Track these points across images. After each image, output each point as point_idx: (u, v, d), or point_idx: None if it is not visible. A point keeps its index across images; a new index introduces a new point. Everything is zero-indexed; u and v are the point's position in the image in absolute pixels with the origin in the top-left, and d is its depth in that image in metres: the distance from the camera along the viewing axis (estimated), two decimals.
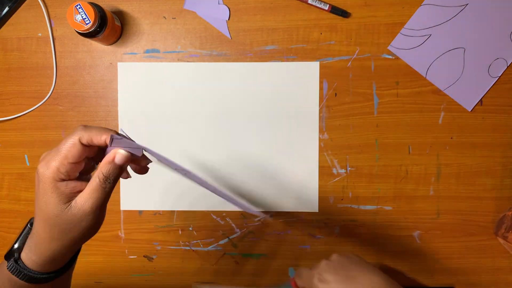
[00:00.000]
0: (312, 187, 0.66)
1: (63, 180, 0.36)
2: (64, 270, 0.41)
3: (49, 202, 0.36)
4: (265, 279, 0.68)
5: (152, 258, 0.68)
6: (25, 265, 0.39)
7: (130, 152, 0.38)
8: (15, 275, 0.39)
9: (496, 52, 0.64)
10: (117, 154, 0.37)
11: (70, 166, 0.36)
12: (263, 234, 0.67)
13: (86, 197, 0.36)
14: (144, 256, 0.68)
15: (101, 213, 0.38)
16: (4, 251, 0.69)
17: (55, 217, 0.36)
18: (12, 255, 0.39)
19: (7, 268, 0.39)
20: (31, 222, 0.43)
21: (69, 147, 0.36)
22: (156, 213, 0.67)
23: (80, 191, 0.37)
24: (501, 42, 0.64)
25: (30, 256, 0.39)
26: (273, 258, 0.68)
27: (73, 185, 0.37)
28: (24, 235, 0.42)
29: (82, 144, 0.36)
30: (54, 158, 0.36)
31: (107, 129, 0.38)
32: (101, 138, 0.37)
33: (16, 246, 0.41)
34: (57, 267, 0.40)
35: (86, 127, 0.37)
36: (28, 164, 0.67)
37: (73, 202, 0.36)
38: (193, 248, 0.68)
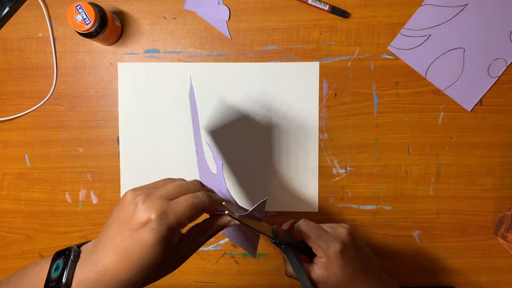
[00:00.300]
0: (312, 187, 0.66)
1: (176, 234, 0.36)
2: None
3: (152, 252, 0.34)
4: (265, 279, 0.68)
5: None
6: None
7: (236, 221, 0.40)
8: None
9: (495, 52, 0.64)
10: (232, 221, 0.39)
11: (191, 219, 0.37)
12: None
13: (191, 245, 0.38)
14: None
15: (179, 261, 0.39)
16: (4, 251, 0.69)
17: (151, 265, 0.34)
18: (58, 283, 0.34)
19: None
20: (74, 253, 0.36)
21: (196, 206, 0.37)
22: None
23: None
24: (501, 42, 0.64)
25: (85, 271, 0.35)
26: (273, 258, 0.68)
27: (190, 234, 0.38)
28: (69, 268, 0.35)
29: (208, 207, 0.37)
30: (172, 207, 0.35)
31: (223, 202, 0.39)
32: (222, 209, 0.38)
33: (64, 280, 0.34)
34: None
35: (209, 196, 0.38)
36: (28, 164, 0.67)
37: (180, 248, 0.37)
38: None
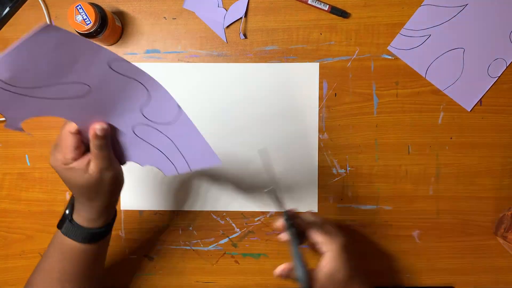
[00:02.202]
0: (311, 187, 0.66)
1: (75, 160, 0.44)
2: (111, 226, 0.51)
3: (73, 178, 0.44)
4: (265, 279, 0.68)
5: (153, 258, 0.68)
6: (79, 225, 0.47)
7: (105, 125, 0.43)
8: (71, 237, 0.47)
9: (495, 52, 0.64)
10: (96, 129, 0.43)
11: (73, 152, 0.43)
12: (263, 234, 0.67)
13: (95, 164, 0.44)
14: (144, 255, 0.68)
15: (112, 167, 0.45)
16: (5, 251, 0.69)
17: (83, 186, 0.44)
18: (65, 221, 0.48)
19: (63, 232, 0.47)
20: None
21: (64, 140, 0.43)
22: (156, 213, 0.67)
23: (88, 159, 0.44)
24: (501, 42, 0.64)
25: (82, 216, 0.47)
26: (273, 258, 0.68)
27: (85, 159, 0.44)
28: (70, 204, 0.49)
29: (73, 133, 0.43)
30: (58, 151, 0.44)
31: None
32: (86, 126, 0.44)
33: (67, 212, 0.48)
34: (106, 220, 0.49)
35: None
36: (28, 164, 0.67)
37: (90, 171, 0.44)
38: (193, 248, 0.68)
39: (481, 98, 0.65)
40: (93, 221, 0.48)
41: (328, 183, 0.66)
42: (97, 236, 0.49)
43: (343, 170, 0.66)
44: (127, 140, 0.47)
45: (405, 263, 0.67)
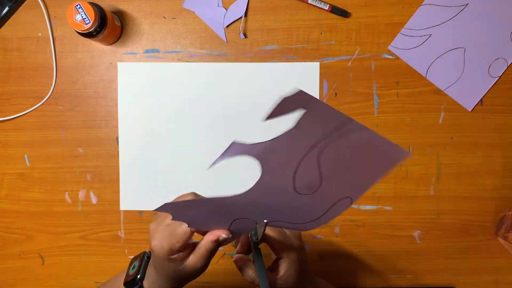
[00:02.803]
0: None
1: (180, 252, 0.43)
2: None
3: (166, 267, 0.44)
4: None
5: None
6: None
7: (230, 234, 0.44)
8: None
9: (496, 52, 0.64)
10: (220, 237, 0.44)
11: (183, 244, 0.43)
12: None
13: (196, 260, 0.44)
14: None
15: (207, 264, 0.46)
16: (4, 251, 0.69)
17: (174, 273, 0.44)
18: (134, 284, 0.47)
19: None
20: (147, 255, 0.50)
21: (181, 235, 0.42)
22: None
23: (188, 253, 0.44)
24: (501, 42, 0.64)
25: (153, 287, 0.47)
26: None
27: (187, 251, 0.44)
28: (143, 268, 0.48)
29: (193, 232, 0.43)
30: (166, 240, 0.43)
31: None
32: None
33: (138, 276, 0.48)
34: None
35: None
36: (28, 164, 0.67)
37: (187, 265, 0.44)
38: None
39: (482, 98, 0.65)
40: None
41: None
42: None
43: None
44: None
45: (405, 263, 0.67)
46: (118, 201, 0.67)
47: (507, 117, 0.65)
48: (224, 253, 0.67)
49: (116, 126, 0.66)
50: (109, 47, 0.65)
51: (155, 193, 0.67)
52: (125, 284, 0.48)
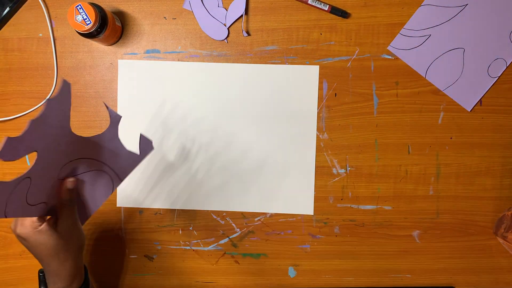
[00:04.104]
0: (309, 187, 0.66)
1: (42, 223, 0.46)
2: (86, 284, 0.52)
3: (43, 242, 0.46)
4: (265, 279, 0.68)
5: (153, 258, 0.68)
6: None
7: (74, 178, 0.48)
8: None
9: (495, 52, 0.64)
10: (67, 182, 0.47)
11: (39, 217, 0.46)
12: (263, 234, 0.67)
13: (63, 221, 0.47)
14: (144, 255, 0.68)
15: (78, 222, 0.49)
16: (4, 251, 0.69)
17: (54, 247, 0.46)
18: None
19: None
20: (40, 271, 0.56)
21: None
22: (156, 212, 0.67)
23: (48, 221, 0.47)
24: (501, 42, 0.64)
25: (57, 286, 0.48)
26: (273, 258, 0.68)
27: (52, 219, 0.47)
28: (43, 283, 0.53)
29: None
30: (23, 219, 0.46)
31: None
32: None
33: None
34: (80, 282, 0.51)
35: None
36: (28, 164, 0.67)
37: (58, 229, 0.46)
38: (193, 248, 0.68)
39: (481, 98, 0.65)
40: (72, 285, 0.49)
41: (328, 183, 0.66)
42: None
43: (343, 170, 0.66)
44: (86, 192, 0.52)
45: (405, 263, 0.67)
46: (117, 200, 0.67)
47: (506, 117, 0.65)
48: (224, 253, 0.68)
49: None
50: (110, 47, 0.66)
51: (155, 193, 0.67)
52: None
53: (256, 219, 0.67)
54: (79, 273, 0.50)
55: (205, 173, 0.66)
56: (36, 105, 0.66)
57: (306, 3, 0.63)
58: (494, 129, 0.65)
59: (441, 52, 0.65)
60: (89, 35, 0.58)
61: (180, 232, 0.67)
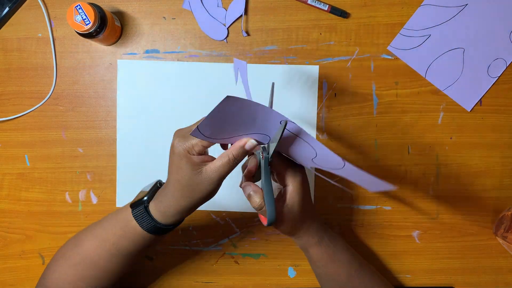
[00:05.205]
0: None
1: (199, 154, 0.44)
2: (177, 225, 0.50)
3: (183, 168, 0.44)
4: (265, 279, 0.68)
5: (152, 258, 0.68)
6: (152, 215, 0.48)
7: (258, 141, 0.45)
8: (138, 222, 0.48)
9: (495, 52, 0.64)
10: (248, 142, 0.45)
11: (203, 148, 0.44)
12: (263, 234, 0.67)
13: (214, 169, 0.44)
14: (144, 255, 0.68)
15: (221, 181, 0.46)
16: (4, 251, 0.69)
17: (188, 179, 0.44)
18: (141, 204, 0.48)
19: (133, 214, 0.48)
20: (159, 182, 0.52)
21: (201, 140, 0.43)
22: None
23: (207, 161, 0.45)
24: (501, 42, 0.64)
25: (159, 208, 0.47)
26: (273, 258, 0.68)
27: (203, 157, 0.45)
28: (152, 191, 0.49)
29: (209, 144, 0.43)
30: (188, 138, 0.44)
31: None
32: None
33: (146, 198, 0.49)
34: (176, 221, 0.49)
35: None
36: (28, 164, 0.67)
37: (204, 170, 0.44)
38: (193, 248, 0.68)
39: (481, 98, 0.65)
40: (167, 217, 0.48)
41: (328, 183, 0.66)
42: (161, 231, 0.49)
43: None
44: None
45: (405, 263, 0.67)
46: (116, 200, 0.67)
47: (506, 117, 0.65)
48: (224, 253, 0.68)
49: (115, 127, 0.66)
50: (109, 47, 0.66)
51: None
52: (131, 205, 0.49)
53: (256, 219, 0.67)
54: (182, 215, 0.48)
55: None
56: (36, 105, 0.66)
57: (306, 3, 0.63)
58: (494, 129, 0.65)
59: (441, 52, 0.64)
60: (88, 35, 0.58)
61: (180, 232, 0.67)
